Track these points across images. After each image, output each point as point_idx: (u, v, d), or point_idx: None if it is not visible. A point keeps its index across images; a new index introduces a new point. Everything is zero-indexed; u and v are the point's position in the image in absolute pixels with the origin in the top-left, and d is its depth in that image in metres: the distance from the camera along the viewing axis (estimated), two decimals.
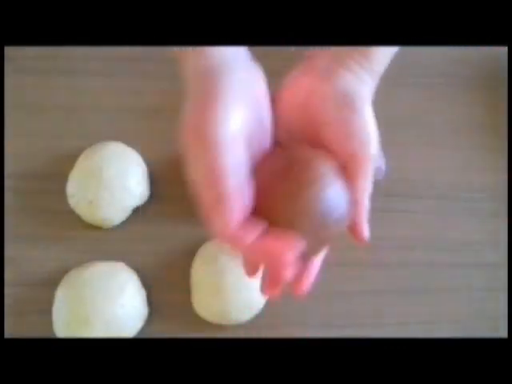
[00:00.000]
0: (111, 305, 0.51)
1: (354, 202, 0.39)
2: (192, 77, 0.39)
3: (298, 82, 0.42)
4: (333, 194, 0.37)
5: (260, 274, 0.42)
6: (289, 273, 0.35)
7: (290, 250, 0.34)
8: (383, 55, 0.43)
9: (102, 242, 0.56)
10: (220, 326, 0.54)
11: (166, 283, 0.56)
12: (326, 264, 0.57)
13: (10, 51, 0.58)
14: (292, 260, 0.34)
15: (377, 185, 0.59)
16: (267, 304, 0.54)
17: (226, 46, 0.40)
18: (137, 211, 0.57)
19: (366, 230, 0.41)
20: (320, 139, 0.40)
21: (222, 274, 0.52)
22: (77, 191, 0.55)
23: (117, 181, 0.55)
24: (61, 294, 0.52)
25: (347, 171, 0.39)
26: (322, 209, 0.36)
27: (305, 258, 0.36)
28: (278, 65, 0.61)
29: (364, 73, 0.41)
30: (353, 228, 0.41)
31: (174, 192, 0.59)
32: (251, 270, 0.42)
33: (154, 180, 0.59)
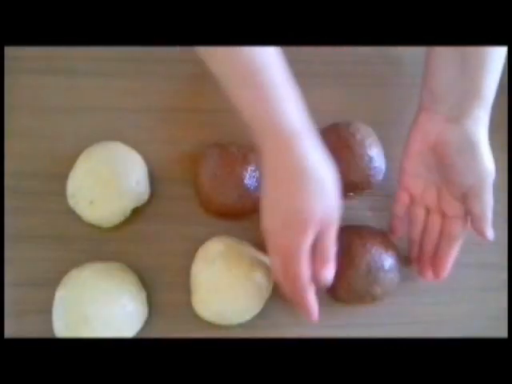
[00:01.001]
0: (111, 305, 0.51)
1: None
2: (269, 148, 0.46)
3: (426, 129, 0.52)
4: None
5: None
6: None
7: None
8: (492, 90, 0.51)
9: (102, 242, 0.56)
10: (220, 326, 0.54)
11: (166, 283, 0.56)
12: None
13: (9, 51, 0.58)
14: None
15: (377, 185, 0.59)
16: (267, 304, 0.54)
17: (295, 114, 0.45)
18: (137, 211, 0.57)
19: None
20: (444, 175, 0.52)
21: (222, 274, 0.52)
22: (77, 191, 0.55)
23: (117, 181, 0.55)
24: (61, 294, 0.52)
25: (467, 199, 0.51)
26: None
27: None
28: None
29: (480, 111, 0.49)
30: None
31: (174, 192, 0.59)
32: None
33: (153, 180, 0.59)
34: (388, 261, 0.53)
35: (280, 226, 0.45)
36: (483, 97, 0.50)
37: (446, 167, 0.51)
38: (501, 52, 0.50)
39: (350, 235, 0.54)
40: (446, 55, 0.50)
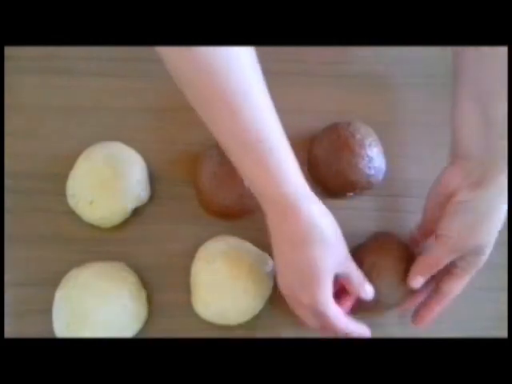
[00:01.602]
0: (111, 305, 0.51)
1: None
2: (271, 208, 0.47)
3: (448, 182, 0.49)
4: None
5: None
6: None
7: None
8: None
9: (101, 242, 0.56)
10: (220, 326, 0.54)
11: (166, 283, 0.56)
12: None
13: (9, 51, 0.58)
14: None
15: (377, 185, 0.59)
16: (267, 304, 0.54)
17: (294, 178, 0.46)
18: (137, 211, 0.57)
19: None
20: (445, 230, 0.48)
21: (222, 274, 0.52)
22: (77, 191, 0.55)
23: (117, 181, 0.55)
24: (61, 294, 0.52)
25: (464, 260, 0.49)
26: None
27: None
28: (277, 65, 0.62)
29: (503, 174, 0.46)
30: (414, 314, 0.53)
31: (174, 192, 0.59)
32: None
33: (153, 180, 0.59)
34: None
35: (298, 286, 0.47)
36: (505, 159, 0.46)
37: (453, 227, 0.48)
38: None
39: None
40: (469, 117, 0.48)
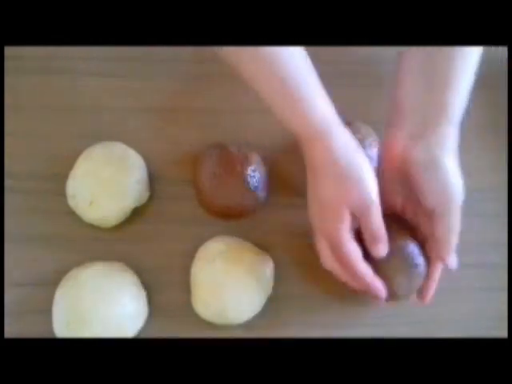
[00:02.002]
0: (111, 305, 0.51)
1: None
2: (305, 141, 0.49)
3: (393, 147, 0.51)
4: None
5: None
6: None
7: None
8: (460, 103, 0.50)
9: (101, 242, 0.56)
10: (220, 326, 0.54)
11: (166, 283, 0.56)
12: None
13: (10, 51, 0.58)
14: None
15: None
16: (267, 304, 0.54)
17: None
18: (137, 211, 0.57)
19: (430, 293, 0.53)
20: (415, 192, 0.50)
21: (221, 274, 0.52)
22: (77, 191, 0.55)
23: (117, 181, 0.55)
24: (61, 294, 0.52)
25: (431, 220, 0.49)
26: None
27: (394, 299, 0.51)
28: None
29: (446, 128, 0.49)
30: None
31: (174, 192, 0.59)
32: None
33: (153, 180, 0.59)
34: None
35: (318, 213, 0.49)
36: (449, 114, 0.49)
37: (412, 186, 0.50)
38: (470, 70, 0.50)
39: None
40: (415, 71, 0.50)
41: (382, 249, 0.49)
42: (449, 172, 0.48)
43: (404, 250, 0.51)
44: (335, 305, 0.56)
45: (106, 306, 0.51)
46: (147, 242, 0.57)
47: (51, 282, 0.53)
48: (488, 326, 0.56)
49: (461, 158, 0.61)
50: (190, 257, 0.55)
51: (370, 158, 0.57)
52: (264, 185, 0.57)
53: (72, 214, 0.56)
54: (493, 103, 0.63)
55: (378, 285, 0.49)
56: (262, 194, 0.57)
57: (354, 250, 0.48)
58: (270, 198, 0.58)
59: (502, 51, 0.62)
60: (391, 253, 0.49)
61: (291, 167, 0.59)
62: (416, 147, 0.49)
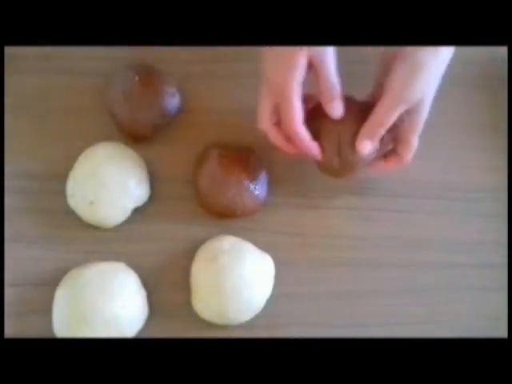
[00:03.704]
0: (111, 305, 0.51)
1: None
2: None
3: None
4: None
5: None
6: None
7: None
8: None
9: (101, 242, 0.56)
10: (220, 326, 0.54)
11: (166, 283, 0.56)
12: (325, 264, 0.57)
13: (10, 51, 0.58)
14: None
15: (377, 185, 0.59)
16: (267, 304, 0.54)
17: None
18: (137, 211, 0.57)
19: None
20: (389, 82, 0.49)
21: (222, 273, 0.52)
22: (77, 191, 0.55)
23: (117, 181, 0.55)
24: (61, 294, 0.52)
25: (407, 119, 0.50)
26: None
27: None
28: None
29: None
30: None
31: (174, 192, 0.59)
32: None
33: (153, 180, 0.59)
34: None
35: (274, 59, 0.49)
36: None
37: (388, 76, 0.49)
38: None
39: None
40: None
41: (336, 107, 0.50)
42: (426, 69, 0.47)
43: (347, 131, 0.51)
44: (335, 305, 0.56)
45: (106, 306, 0.51)
46: (147, 242, 0.57)
47: (51, 282, 0.53)
48: (488, 326, 0.56)
49: (461, 158, 0.62)
50: (189, 257, 0.55)
51: None
52: (264, 185, 0.57)
53: (72, 214, 0.56)
54: (493, 103, 0.63)
55: (313, 146, 0.50)
56: (262, 194, 0.57)
57: (298, 108, 0.49)
58: (270, 198, 0.58)
59: (502, 51, 0.62)
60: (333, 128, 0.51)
61: (291, 167, 0.59)
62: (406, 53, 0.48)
